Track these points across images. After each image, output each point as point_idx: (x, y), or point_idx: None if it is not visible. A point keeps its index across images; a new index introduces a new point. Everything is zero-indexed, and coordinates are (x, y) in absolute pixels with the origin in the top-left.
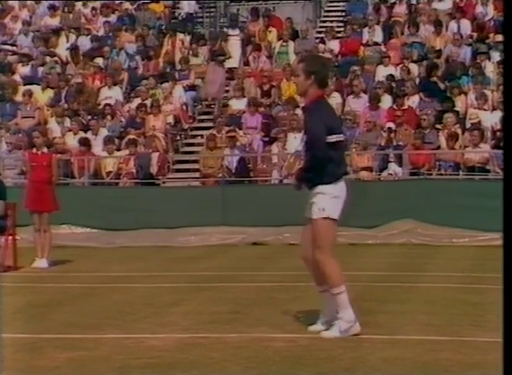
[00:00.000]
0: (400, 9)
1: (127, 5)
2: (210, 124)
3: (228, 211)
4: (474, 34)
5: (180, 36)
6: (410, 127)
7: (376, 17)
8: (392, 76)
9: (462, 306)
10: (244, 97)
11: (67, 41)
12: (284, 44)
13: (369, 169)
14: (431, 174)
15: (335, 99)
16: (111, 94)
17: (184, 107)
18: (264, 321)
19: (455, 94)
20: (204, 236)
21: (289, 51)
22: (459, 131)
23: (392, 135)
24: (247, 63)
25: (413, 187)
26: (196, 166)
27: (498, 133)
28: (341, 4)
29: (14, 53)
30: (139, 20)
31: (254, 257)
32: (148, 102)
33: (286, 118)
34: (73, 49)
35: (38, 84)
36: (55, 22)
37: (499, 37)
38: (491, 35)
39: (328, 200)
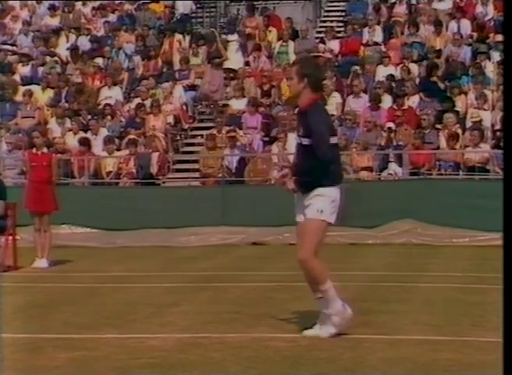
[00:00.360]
0: (400, 9)
1: (127, 5)
2: (210, 124)
3: (228, 211)
4: (474, 34)
5: (178, 36)
6: (410, 127)
7: (376, 17)
8: (392, 76)
9: (462, 306)
10: (244, 97)
11: (67, 41)
12: (284, 44)
13: (369, 169)
14: (431, 174)
15: (335, 99)
16: (111, 94)
17: (184, 107)
18: (265, 321)
19: (455, 94)
20: (204, 236)
21: (289, 51)
22: (459, 131)
23: (392, 135)
24: (247, 63)
25: (413, 187)
26: (196, 166)
27: (498, 133)
28: (341, 4)
29: (14, 53)
30: (139, 20)
31: (254, 257)
32: (148, 102)
33: (286, 118)
34: (73, 49)
35: (38, 84)
36: (55, 22)
37: (499, 37)
38: (491, 35)
39: (328, 203)
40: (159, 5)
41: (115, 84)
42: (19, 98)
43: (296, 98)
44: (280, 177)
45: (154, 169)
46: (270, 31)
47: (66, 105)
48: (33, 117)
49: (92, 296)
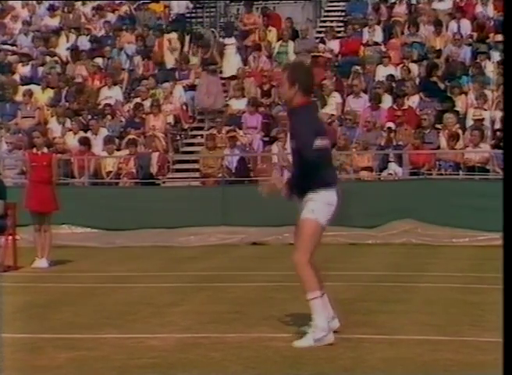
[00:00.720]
0: (400, 9)
1: (127, 5)
2: (210, 124)
3: (228, 211)
4: (474, 34)
5: (168, 36)
6: (411, 127)
7: (376, 17)
8: (392, 76)
9: (462, 306)
10: (244, 97)
11: (67, 41)
12: (284, 44)
13: (369, 169)
14: (431, 174)
15: (335, 99)
16: (111, 94)
17: (184, 107)
18: (264, 321)
19: (455, 94)
20: (204, 236)
21: (289, 51)
22: (459, 131)
23: (392, 135)
24: (245, 64)
25: (413, 187)
26: (196, 165)
27: (498, 133)
28: (341, 4)
29: (14, 53)
30: (139, 20)
31: (254, 257)
32: (147, 102)
33: (286, 118)
34: (73, 49)
35: (38, 84)
36: (55, 22)
37: (499, 37)
38: (491, 35)
39: (320, 205)
40: (159, 5)
41: (115, 84)
42: (19, 98)
43: (289, 104)
44: (258, 171)
45: (154, 169)
46: (270, 31)
47: (67, 104)
48: (33, 117)
49: (92, 296)
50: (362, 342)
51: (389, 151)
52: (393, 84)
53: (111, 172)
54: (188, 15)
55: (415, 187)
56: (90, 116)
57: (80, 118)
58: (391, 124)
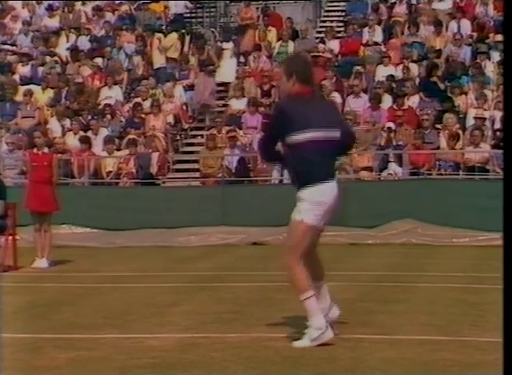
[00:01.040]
0: (400, 9)
1: (127, 5)
2: (210, 124)
3: (228, 211)
4: (474, 34)
5: (158, 35)
6: (411, 127)
7: (376, 17)
8: (392, 76)
9: (462, 306)
10: (244, 97)
11: (67, 41)
12: (284, 44)
13: (369, 169)
14: (431, 174)
15: (335, 99)
16: (111, 94)
17: (184, 107)
18: (264, 321)
19: (455, 94)
20: (204, 236)
21: (289, 51)
22: (459, 131)
23: (392, 135)
24: (244, 65)
25: (413, 187)
26: (196, 165)
27: (498, 133)
28: (341, 4)
29: (14, 53)
30: (139, 20)
31: (254, 257)
32: (147, 102)
33: None
34: (73, 49)
35: (38, 84)
36: (54, 22)
37: (499, 37)
38: (491, 35)
39: (307, 205)
40: (159, 5)
41: (115, 84)
42: (19, 98)
43: (289, 96)
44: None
45: (154, 169)
46: (270, 31)
47: (68, 103)
48: (33, 117)
49: (92, 296)
50: (362, 342)
51: (389, 151)
52: (393, 84)
53: (111, 172)
54: (188, 15)
55: (415, 187)
56: (90, 116)
57: (80, 118)
58: (391, 124)
